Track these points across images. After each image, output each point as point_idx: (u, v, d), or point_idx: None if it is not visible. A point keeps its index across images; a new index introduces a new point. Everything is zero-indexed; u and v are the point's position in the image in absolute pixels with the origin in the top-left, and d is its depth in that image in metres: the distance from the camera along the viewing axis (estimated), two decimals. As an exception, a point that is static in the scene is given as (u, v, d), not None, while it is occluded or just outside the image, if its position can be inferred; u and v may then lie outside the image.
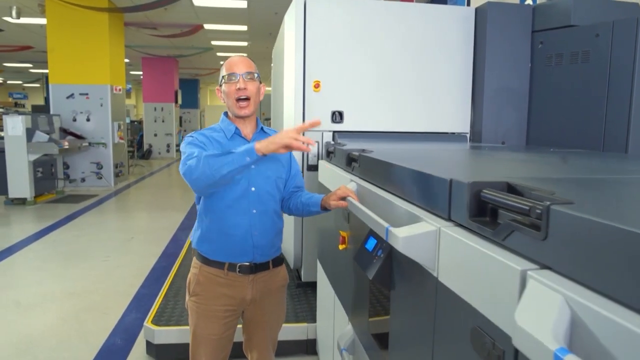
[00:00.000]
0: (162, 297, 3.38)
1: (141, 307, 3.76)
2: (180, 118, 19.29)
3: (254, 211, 1.83)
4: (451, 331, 0.95)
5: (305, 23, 3.15)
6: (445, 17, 3.30)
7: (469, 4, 5.06)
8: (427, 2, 5.38)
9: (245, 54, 1.87)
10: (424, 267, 1.06)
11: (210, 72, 21.05)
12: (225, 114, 1.93)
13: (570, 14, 3.00)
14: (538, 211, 0.71)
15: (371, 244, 1.44)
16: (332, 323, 2.29)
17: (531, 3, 4.35)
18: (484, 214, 0.92)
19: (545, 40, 3.18)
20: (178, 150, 17.52)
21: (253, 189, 1.83)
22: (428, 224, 1.04)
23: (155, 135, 16.70)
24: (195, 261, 1.91)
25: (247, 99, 1.81)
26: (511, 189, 0.89)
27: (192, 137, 1.82)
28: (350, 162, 1.96)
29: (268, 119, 8.28)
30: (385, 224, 1.16)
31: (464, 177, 1.02)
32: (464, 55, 3.35)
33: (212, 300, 1.86)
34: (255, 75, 1.84)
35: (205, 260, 1.86)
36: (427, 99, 3.34)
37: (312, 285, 3.17)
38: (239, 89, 1.79)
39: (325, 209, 1.87)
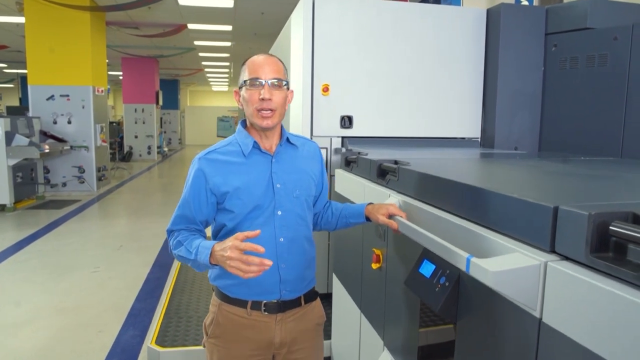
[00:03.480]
0: (162, 314, 3.20)
1: (138, 323, 3.57)
2: (161, 119, 18.91)
3: (281, 239, 1.55)
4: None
5: (314, 24, 3.01)
6: (457, 18, 3.20)
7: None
8: (419, 2, 5.28)
9: (272, 54, 1.60)
10: (518, 304, 0.93)
11: (191, 73, 20.71)
12: (243, 122, 1.63)
13: (586, 16, 2.93)
14: None
15: (428, 269, 1.32)
16: (358, 344, 2.16)
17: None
18: (606, 248, 0.80)
19: (560, 43, 3.10)
20: (159, 152, 17.20)
21: (279, 212, 1.54)
22: (527, 256, 0.92)
23: (136, 137, 16.32)
24: (214, 298, 1.65)
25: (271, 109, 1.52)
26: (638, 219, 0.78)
27: (195, 173, 1.52)
28: (384, 174, 1.83)
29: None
30: (465, 254, 1.04)
31: (562, 201, 0.90)
32: (475, 58, 3.26)
33: (234, 344, 1.58)
34: (284, 82, 1.53)
35: (225, 298, 1.59)
36: (437, 102, 3.23)
37: (323, 297, 3.02)
38: (262, 99, 1.48)
39: (369, 219, 1.67)
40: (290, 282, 1.58)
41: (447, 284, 1.21)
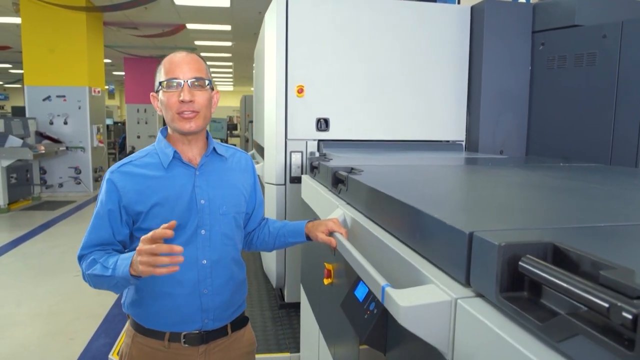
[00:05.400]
0: (131, 322, 3.08)
1: (111, 330, 3.46)
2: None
3: (204, 262, 1.37)
4: None
5: (288, 22, 2.88)
6: (439, 15, 3.05)
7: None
8: None
9: (192, 51, 1.43)
10: (433, 346, 0.79)
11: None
12: (164, 130, 1.44)
13: (574, 13, 2.77)
14: (626, 315, 0.45)
15: (362, 291, 1.18)
16: (317, 357, 2.02)
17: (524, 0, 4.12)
18: (520, 286, 0.66)
19: (547, 41, 2.94)
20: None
21: (203, 231, 1.37)
22: (439, 290, 0.78)
23: (138, 137, 16.23)
24: (128, 327, 1.44)
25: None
26: (562, 255, 0.63)
27: (106, 189, 1.35)
28: (337, 182, 1.69)
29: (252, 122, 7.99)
30: (382, 282, 0.90)
31: (488, 224, 0.76)
32: (459, 57, 3.11)
33: None
34: (207, 81, 1.36)
35: (140, 329, 1.39)
36: (419, 104, 3.09)
37: (297, 306, 2.90)
38: (182, 100, 1.31)
39: (309, 238, 1.51)
40: (213, 310, 1.41)
41: (375, 311, 1.07)
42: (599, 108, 2.66)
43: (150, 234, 1.14)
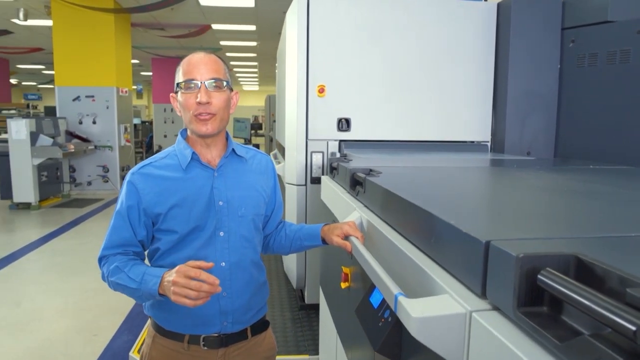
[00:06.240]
0: (152, 321, 3.11)
1: (134, 327, 3.50)
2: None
3: (223, 264, 1.36)
4: None
5: (309, 21, 2.85)
6: (464, 13, 2.98)
7: None
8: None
9: (210, 51, 1.40)
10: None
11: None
12: (184, 132, 1.44)
13: (606, 9, 2.66)
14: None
15: (377, 298, 1.15)
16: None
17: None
18: (540, 300, 0.62)
19: (577, 39, 2.84)
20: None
21: (221, 233, 1.36)
22: (453, 301, 0.74)
23: (165, 136, 16.50)
24: (149, 328, 1.46)
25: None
26: (585, 269, 0.59)
27: (127, 190, 1.35)
28: (355, 184, 1.66)
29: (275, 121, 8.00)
30: (395, 290, 0.86)
31: (506, 233, 0.72)
32: (485, 56, 3.03)
33: None
34: (225, 83, 1.34)
35: (160, 330, 1.40)
36: (443, 104, 3.02)
37: (317, 308, 2.87)
38: (199, 102, 1.29)
39: (325, 241, 1.48)
40: (232, 313, 1.39)
41: (390, 319, 1.03)
42: (632, 107, 2.55)
43: (187, 268, 1.15)
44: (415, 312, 0.75)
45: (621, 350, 0.45)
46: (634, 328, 0.43)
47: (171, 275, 1.16)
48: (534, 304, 0.62)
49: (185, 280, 1.13)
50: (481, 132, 3.09)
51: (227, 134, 1.45)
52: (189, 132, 1.41)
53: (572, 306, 0.54)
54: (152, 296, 1.24)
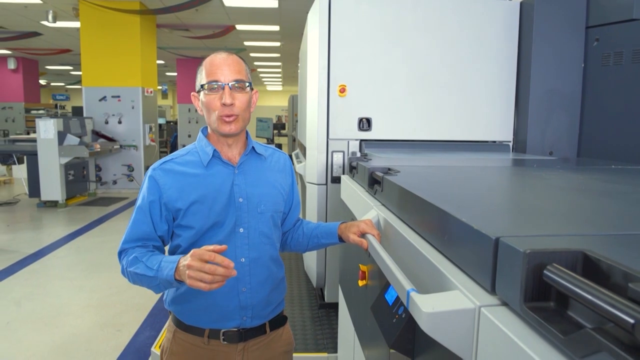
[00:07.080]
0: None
1: (156, 323, 3.57)
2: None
3: (243, 260, 1.40)
4: None
5: (330, 21, 2.87)
6: (486, 12, 2.96)
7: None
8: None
9: (232, 52, 1.43)
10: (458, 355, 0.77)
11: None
12: (205, 129, 1.48)
13: (632, 6, 2.61)
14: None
15: (392, 295, 1.16)
16: (352, 359, 2.01)
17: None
18: (547, 295, 0.63)
19: (602, 37, 2.79)
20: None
21: (241, 230, 1.40)
22: (463, 297, 0.75)
23: (189, 136, 16.71)
24: (169, 323, 1.50)
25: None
26: (592, 265, 0.59)
27: (148, 185, 1.38)
28: (374, 183, 1.67)
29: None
30: (407, 286, 0.88)
31: (517, 229, 0.73)
32: (507, 55, 3.00)
33: None
34: (247, 83, 1.37)
35: (181, 325, 1.44)
36: (464, 103, 3.01)
37: (336, 307, 2.89)
38: (224, 104, 1.33)
39: (342, 239, 1.51)
40: (252, 308, 1.43)
41: (403, 315, 1.05)
42: (658, 107, 2.50)
43: (202, 252, 1.15)
44: (426, 307, 0.77)
45: (621, 343, 0.46)
46: (632, 321, 0.44)
47: (186, 260, 1.17)
48: (541, 299, 0.63)
49: (200, 264, 1.13)
50: (503, 132, 3.07)
51: (247, 132, 1.48)
52: (210, 130, 1.45)
53: (576, 300, 0.55)
54: (169, 283, 1.24)
